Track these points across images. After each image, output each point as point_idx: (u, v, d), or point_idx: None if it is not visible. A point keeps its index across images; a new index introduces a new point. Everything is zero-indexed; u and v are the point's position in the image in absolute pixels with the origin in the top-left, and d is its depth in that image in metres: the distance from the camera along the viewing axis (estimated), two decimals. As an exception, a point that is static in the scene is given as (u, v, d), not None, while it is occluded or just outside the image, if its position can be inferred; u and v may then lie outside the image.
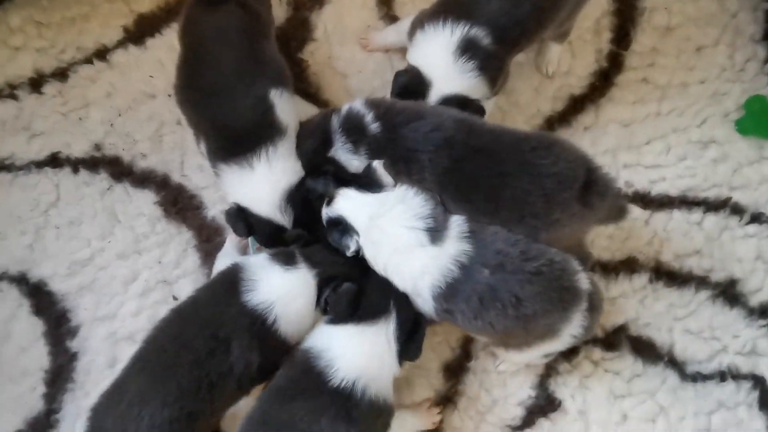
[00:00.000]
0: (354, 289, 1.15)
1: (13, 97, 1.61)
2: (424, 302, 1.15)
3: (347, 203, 1.20)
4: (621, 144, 1.53)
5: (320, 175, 1.28)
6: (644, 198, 1.49)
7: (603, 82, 1.58)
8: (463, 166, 1.16)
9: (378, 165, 1.19)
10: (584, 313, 1.15)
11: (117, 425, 1.05)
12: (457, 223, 1.14)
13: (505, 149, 1.16)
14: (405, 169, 1.20)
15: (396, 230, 1.14)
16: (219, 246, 1.49)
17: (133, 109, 1.61)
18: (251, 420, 1.11)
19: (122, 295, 1.48)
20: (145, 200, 1.54)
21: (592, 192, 1.16)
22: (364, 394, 1.07)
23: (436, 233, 1.13)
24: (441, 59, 1.27)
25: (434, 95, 1.29)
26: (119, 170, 1.56)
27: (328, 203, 1.22)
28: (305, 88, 1.60)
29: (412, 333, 1.15)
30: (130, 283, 1.49)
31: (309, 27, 1.64)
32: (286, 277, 1.15)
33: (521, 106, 1.58)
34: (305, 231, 1.27)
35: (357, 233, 1.18)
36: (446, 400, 1.38)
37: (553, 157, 1.14)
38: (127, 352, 1.40)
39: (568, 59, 1.59)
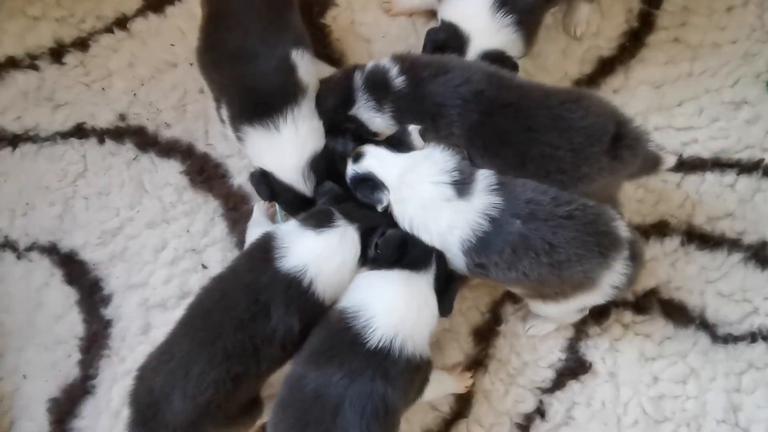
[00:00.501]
0: (402, 234, 1.15)
1: (34, 67, 1.60)
2: (455, 257, 1.14)
3: (377, 161, 1.19)
4: (651, 106, 1.51)
5: (339, 134, 1.26)
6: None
7: (633, 42, 1.54)
8: (493, 120, 1.16)
9: (414, 129, 1.18)
10: (625, 262, 1.12)
11: (166, 383, 1.07)
12: (484, 176, 1.13)
13: (534, 104, 1.16)
14: (432, 126, 1.20)
15: (422, 185, 1.14)
16: (246, 214, 1.50)
17: (156, 79, 1.60)
18: (289, 383, 1.11)
19: (152, 264, 1.49)
20: (171, 170, 1.54)
21: (622, 145, 1.15)
22: (401, 352, 1.07)
23: (462, 186, 1.12)
24: (479, 13, 1.25)
25: (473, 51, 1.27)
26: (144, 140, 1.56)
27: (356, 160, 1.22)
28: (329, 53, 1.58)
29: (445, 288, 1.16)
30: (159, 251, 1.50)
31: (331, -9, 1.61)
32: (319, 239, 1.14)
33: (548, 69, 1.55)
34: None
35: (387, 189, 1.18)
36: (477, 364, 1.39)
37: (582, 111, 1.14)
38: (159, 319, 1.45)
39: (597, 20, 1.56)
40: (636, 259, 1.13)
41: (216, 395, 1.07)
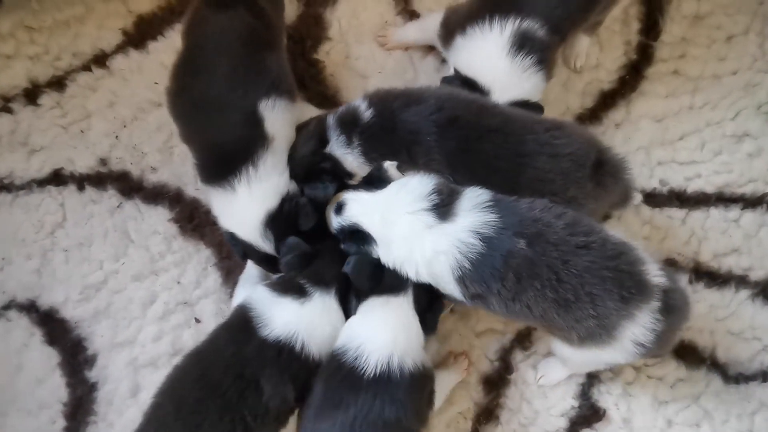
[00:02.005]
0: (371, 260, 1.11)
1: (8, 110, 1.52)
2: (449, 288, 1.07)
3: (358, 207, 1.13)
4: (654, 140, 1.50)
5: (317, 180, 1.22)
6: (680, 196, 1.46)
7: (633, 75, 1.53)
8: (477, 146, 1.13)
9: (390, 165, 1.14)
10: (655, 315, 0.98)
11: None
12: (473, 194, 1.05)
13: (520, 130, 1.14)
14: (409, 156, 1.17)
15: (399, 219, 1.07)
16: (241, 263, 1.43)
17: (139, 119, 1.52)
18: None
19: (141, 319, 1.42)
20: (159, 217, 1.47)
21: (604, 172, 1.15)
22: (402, 369, 1.04)
23: (443, 209, 1.04)
24: (498, 63, 1.19)
25: None
26: (128, 186, 1.49)
27: (338, 211, 1.16)
28: (323, 90, 1.52)
29: (429, 304, 1.13)
30: (148, 306, 1.42)
31: (323, 25, 1.56)
32: (304, 310, 1.11)
33: (549, 102, 1.52)
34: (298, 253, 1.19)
35: (375, 242, 1.10)
36: (488, 413, 1.35)
37: (566, 138, 1.14)
38: (149, 379, 1.38)
39: (596, 52, 1.54)
40: (672, 313, 0.99)
41: None
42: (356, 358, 1.04)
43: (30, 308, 1.42)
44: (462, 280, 1.02)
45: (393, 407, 1.01)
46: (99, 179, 1.49)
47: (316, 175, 1.23)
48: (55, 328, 1.41)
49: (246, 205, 1.18)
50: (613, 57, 1.54)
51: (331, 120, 1.23)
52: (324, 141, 1.22)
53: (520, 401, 1.36)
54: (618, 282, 0.96)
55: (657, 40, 1.55)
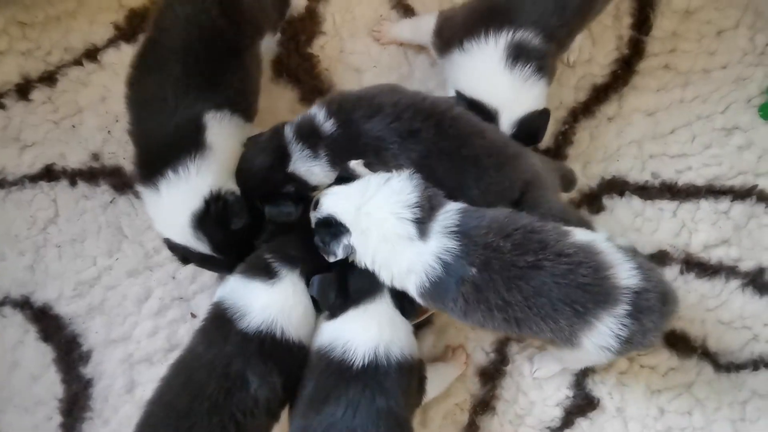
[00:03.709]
0: (331, 277, 1.13)
1: (1, 106, 1.52)
2: (414, 297, 1.11)
3: (332, 198, 1.14)
4: (646, 134, 1.54)
5: (279, 199, 1.20)
6: (671, 188, 1.51)
7: (625, 69, 1.57)
8: (431, 164, 1.15)
9: (356, 164, 1.15)
10: (620, 320, 0.99)
11: None
12: (444, 215, 1.07)
13: (467, 160, 1.16)
14: (378, 160, 1.18)
15: (383, 215, 1.08)
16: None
17: (132, 114, 1.53)
18: None
19: (136, 315, 1.43)
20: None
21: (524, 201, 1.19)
22: (389, 359, 1.07)
23: (422, 226, 1.07)
24: (497, 79, 1.19)
25: (505, 122, 1.22)
26: (121, 181, 1.50)
27: (315, 206, 1.18)
28: (317, 84, 1.55)
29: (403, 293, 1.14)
30: (143, 301, 1.44)
31: (317, 19, 1.58)
32: (275, 290, 1.11)
33: (543, 97, 1.56)
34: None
35: (348, 232, 1.11)
36: (484, 405, 1.39)
37: (499, 176, 1.17)
38: (145, 375, 1.40)
39: (588, 47, 1.58)
40: (644, 312, 0.99)
41: None
42: (344, 353, 1.07)
43: (24, 305, 1.44)
44: (424, 296, 1.09)
45: (383, 396, 1.04)
46: (91, 174, 1.50)
47: (278, 196, 1.21)
48: (50, 325, 1.43)
49: (170, 208, 1.17)
50: (606, 51, 1.58)
51: (289, 133, 1.21)
52: (284, 155, 1.20)
53: (516, 392, 1.39)
54: (569, 298, 0.99)
55: (648, 35, 1.59)
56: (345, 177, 1.15)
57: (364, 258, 1.11)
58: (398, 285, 1.11)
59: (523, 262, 1.00)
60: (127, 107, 1.22)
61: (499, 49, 1.18)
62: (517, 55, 1.18)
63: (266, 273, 1.13)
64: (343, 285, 1.14)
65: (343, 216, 1.11)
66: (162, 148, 1.16)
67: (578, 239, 1.05)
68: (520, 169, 1.20)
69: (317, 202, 1.17)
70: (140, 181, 1.20)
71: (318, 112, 1.20)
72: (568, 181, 1.37)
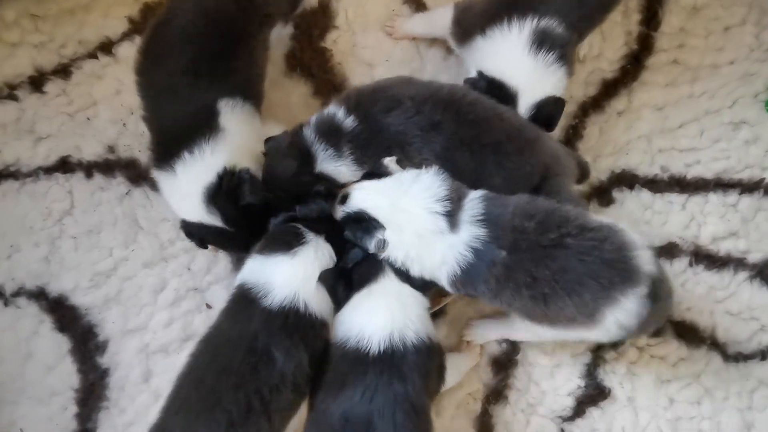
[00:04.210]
0: (333, 271, 1.15)
1: (13, 98, 1.54)
2: (443, 285, 1.16)
3: (364, 194, 1.16)
4: (655, 128, 1.57)
5: (309, 199, 1.22)
6: (680, 182, 1.54)
7: (634, 64, 1.60)
8: (453, 156, 1.18)
9: (390, 161, 1.18)
10: (640, 300, 1.05)
11: None
12: (470, 205, 1.12)
13: (486, 147, 1.19)
14: (404, 154, 1.20)
15: (417, 211, 1.12)
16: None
17: (147, 108, 1.55)
18: (313, 421, 1.11)
19: (152, 306, 1.45)
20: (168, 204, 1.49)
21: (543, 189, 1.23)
22: (405, 344, 1.09)
23: (452, 219, 1.11)
24: (521, 62, 1.23)
25: (524, 105, 1.26)
26: (137, 173, 1.52)
27: (343, 201, 1.20)
28: (330, 78, 1.57)
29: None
30: (158, 292, 1.46)
31: (329, 13, 1.61)
32: (296, 261, 1.13)
33: (553, 92, 1.58)
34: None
35: (382, 226, 1.14)
36: (497, 394, 1.41)
37: (520, 161, 1.21)
38: (161, 365, 1.42)
39: (598, 42, 1.61)
40: (657, 299, 1.06)
41: None
42: (359, 341, 1.09)
43: (39, 295, 1.45)
44: (454, 283, 1.13)
45: (401, 382, 1.06)
46: (107, 166, 1.52)
47: (308, 197, 1.23)
48: (65, 315, 1.44)
49: (185, 186, 1.21)
50: (615, 47, 1.61)
51: (309, 134, 1.23)
52: (308, 157, 1.22)
53: (528, 382, 1.42)
54: (594, 273, 1.03)
55: (657, 31, 1.62)
56: (375, 173, 1.18)
57: (397, 252, 1.14)
58: (428, 276, 1.14)
59: (546, 240, 1.05)
60: (139, 95, 1.26)
61: (523, 36, 1.23)
62: (542, 41, 1.23)
63: (286, 245, 1.14)
64: (346, 275, 1.17)
65: (376, 211, 1.14)
66: (177, 134, 1.20)
67: (599, 219, 1.11)
68: (540, 151, 1.24)
69: (345, 197, 1.19)
70: (156, 165, 1.23)
71: (337, 111, 1.22)
72: (582, 170, 1.41)
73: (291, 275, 1.12)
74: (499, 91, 1.25)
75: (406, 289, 1.16)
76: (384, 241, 1.13)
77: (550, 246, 1.05)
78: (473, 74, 1.31)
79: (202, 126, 1.19)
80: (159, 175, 1.25)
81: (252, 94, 1.27)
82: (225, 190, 1.20)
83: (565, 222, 1.06)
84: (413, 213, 1.12)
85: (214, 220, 1.22)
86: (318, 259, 1.15)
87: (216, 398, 1.04)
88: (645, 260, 1.07)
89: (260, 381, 1.06)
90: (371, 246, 1.14)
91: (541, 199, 1.14)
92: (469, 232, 1.09)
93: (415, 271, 1.14)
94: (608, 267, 1.04)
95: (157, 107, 1.23)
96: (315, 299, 1.13)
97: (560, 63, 1.24)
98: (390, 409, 1.04)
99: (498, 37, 1.25)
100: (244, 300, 1.13)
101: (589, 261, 1.03)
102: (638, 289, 1.05)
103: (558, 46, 1.23)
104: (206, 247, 1.33)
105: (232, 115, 1.22)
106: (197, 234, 1.26)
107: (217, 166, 1.20)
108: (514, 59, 1.25)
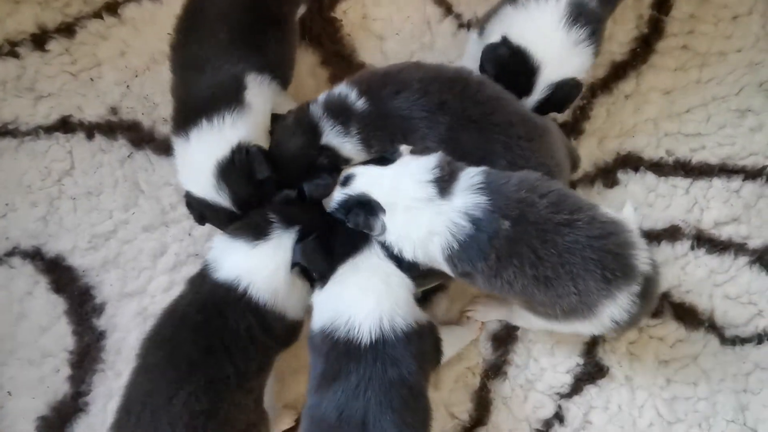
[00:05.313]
0: (314, 242, 1.15)
1: (15, 54, 1.54)
2: (442, 266, 1.13)
3: (368, 178, 1.17)
4: (662, 112, 1.59)
5: (315, 175, 1.22)
6: (685, 166, 1.56)
7: (644, 48, 1.62)
8: (458, 136, 1.18)
9: (405, 149, 1.18)
10: (633, 298, 1.05)
11: (149, 423, 1.03)
12: (469, 174, 1.11)
13: (495, 128, 1.18)
14: (406, 142, 1.21)
15: (406, 184, 1.12)
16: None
17: (152, 70, 1.55)
18: (308, 415, 1.10)
19: (151, 270, 1.45)
20: (170, 168, 1.50)
21: None
22: (395, 330, 1.08)
23: (444, 185, 1.10)
24: (553, 35, 1.20)
25: (543, 81, 1.24)
26: (139, 136, 1.52)
27: (345, 183, 1.20)
28: (339, 49, 1.58)
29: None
30: (158, 257, 1.46)
31: (340, -16, 1.60)
32: (253, 252, 1.14)
33: (562, 72, 1.60)
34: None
35: (383, 210, 1.14)
36: (496, 369, 1.43)
37: (529, 152, 1.20)
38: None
39: (609, 24, 1.61)
40: (646, 299, 1.07)
41: (198, 414, 1.03)
42: (349, 331, 1.08)
43: (35, 255, 1.45)
44: (451, 259, 1.09)
45: (394, 367, 1.06)
46: (109, 128, 1.51)
47: (313, 170, 1.23)
48: (62, 276, 1.44)
49: (197, 155, 1.20)
50: (626, 30, 1.63)
51: (317, 110, 1.24)
52: (315, 132, 1.23)
53: (528, 358, 1.44)
54: (601, 262, 1.02)
55: (668, 15, 1.64)
56: (385, 158, 1.18)
57: (392, 234, 1.13)
58: (422, 256, 1.12)
59: (558, 219, 1.03)
60: (171, 70, 1.28)
61: (560, 6, 1.20)
62: (578, 14, 1.21)
63: (257, 230, 1.15)
64: (327, 245, 1.16)
65: (378, 194, 1.14)
66: (201, 102, 1.20)
67: (610, 213, 1.10)
68: (548, 151, 1.23)
69: (347, 179, 1.19)
70: (174, 131, 1.23)
71: (349, 92, 1.23)
72: (573, 162, 1.41)
73: (239, 262, 1.13)
74: (520, 62, 1.22)
75: (391, 268, 1.14)
76: (384, 224, 1.13)
77: (560, 224, 1.03)
78: (495, 39, 1.26)
79: (227, 97, 1.20)
80: (175, 142, 1.24)
81: (281, 74, 1.29)
82: (238, 166, 1.19)
83: (578, 209, 1.06)
84: (403, 188, 1.12)
85: (221, 198, 1.21)
86: (275, 257, 1.14)
87: (174, 345, 1.07)
88: (642, 259, 1.07)
89: (215, 329, 1.09)
90: (377, 228, 1.14)
91: (556, 181, 1.13)
92: (467, 199, 1.07)
93: (408, 253, 1.13)
94: (614, 259, 1.04)
95: (187, 79, 1.24)
96: (267, 290, 1.12)
97: (590, 41, 1.22)
98: (387, 395, 1.04)
99: (533, 7, 1.22)
100: (201, 271, 1.17)
101: (597, 248, 1.03)
102: (633, 287, 1.06)
103: (592, 22, 1.21)
104: (203, 224, 1.32)
105: (259, 91, 1.23)
106: (198, 209, 1.25)
107: (232, 140, 1.20)
108: (546, 30, 1.21)
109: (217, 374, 1.06)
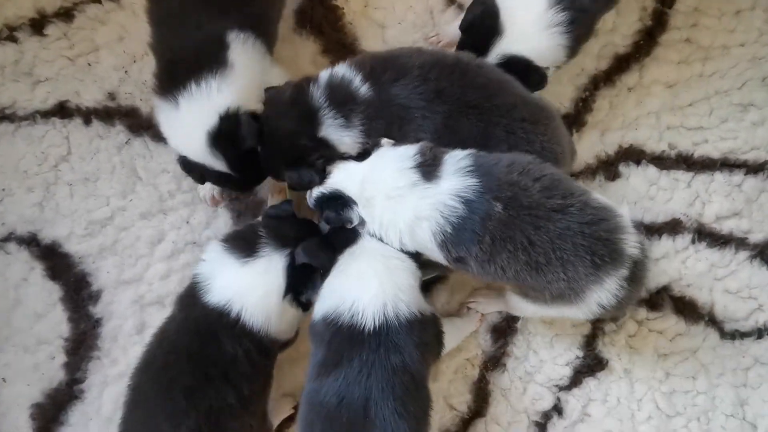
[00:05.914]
0: (314, 241, 1.15)
1: (13, 39, 1.53)
2: (433, 254, 1.12)
3: (342, 174, 1.16)
4: (665, 105, 1.59)
5: (303, 166, 1.18)
6: (687, 160, 1.57)
7: (648, 40, 1.62)
8: (457, 123, 1.16)
9: (387, 142, 1.16)
10: (621, 282, 1.06)
11: None
12: (455, 158, 1.09)
13: (496, 112, 1.17)
14: (399, 133, 1.18)
15: (384, 175, 1.11)
16: (251, 204, 1.48)
17: (150, 56, 1.50)
18: (307, 400, 1.09)
19: (148, 257, 1.45)
20: (169, 155, 1.50)
21: None
22: (399, 317, 1.07)
23: (428, 169, 1.08)
24: (530, 5, 1.20)
25: (498, 49, 1.23)
26: (137, 122, 1.51)
27: (323, 180, 1.18)
28: (340, 38, 1.57)
29: None
30: (156, 244, 1.46)
31: (342, -30, 1.60)
32: (243, 271, 1.11)
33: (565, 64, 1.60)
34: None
35: (355, 203, 1.13)
36: (495, 361, 1.43)
37: (533, 135, 1.18)
38: (156, 317, 1.42)
39: (613, 16, 1.63)
40: (635, 282, 1.08)
41: None
42: (353, 316, 1.07)
43: (30, 242, 1.44)
44: (444, 244, 1.08)
45: (397, 354, 1.06)
46: (107, 114, 1.51)
47: (304, 162, 1.19)
48: (58, 263, 1.43)
49: (188, 123, 1.18)
50: (629, 22, 1.63)
51: (317, 95, 1.19)
52: (310, 121, 1.18)
53: (527, 350, 1.44)
54: (591, 248, 1.03)
55: (671, 8, 1.64)
56: (367, 152, 1.16)
57: (373, 225, 1.13)
58: (410, 243, 1.11)
59: (551, 204, 1.04)
60: (148, 22, 1.24)
61: None
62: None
63: (247, 249, 1.12)
64: (327, 242, 1.17)
65: (350, 189, 1.14)
66: (184, 62, 1.17)
67: (601, 199, 1.10)
68: (554, 136, 1.21)
69: (323, 177, 1.18)
70: (159, 93, 1.19)
71: (353, 77, 1.18)
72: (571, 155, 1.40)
73: (230, 284, 1.10)
74: (487, 21, 1.20)
75: (390, 251, 1.13)
76: (360, 217, 1.14)
77: (553, 209, 1.04)
78: None
79: (210, 58, 1.16)
80: (160, 105, 1.20)
81: (265, 31, 1.25)
82: (224, 133, 1.17)
83: (570, 194, 1.06)
84: (380, 180, 1.10)
85: (218, 164, 1.20)
86: (266, 279, 1.12)
87: (169, 376, 1.04)
88: (630, 243, 1.08)
89: (211, 356, 1.06)
90: (353, 222, 1.14)
91: (548, 164, 1.12)
92: (457, 182, 1.06)
93: (394, 242, 1.12)
94: (603, 245, 1.04)
95: (166, 35, 1.21)
96: (260, 315, 1.10)
97: (567, 29, 1.20)
98: (389, 382, 1.03)
99: None
100: (191, 289, 1.13)
101: (587, 234, 1.03)
102: (621, 271, 1.06)
103: (575, 9, 1.19)
104: (203, 182, 1.31)
105: (242, 50, 1.19)
106: (197, 171, 1.23)
107: (220, 106, 1.17)
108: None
109: (218, 403, 1.04)
